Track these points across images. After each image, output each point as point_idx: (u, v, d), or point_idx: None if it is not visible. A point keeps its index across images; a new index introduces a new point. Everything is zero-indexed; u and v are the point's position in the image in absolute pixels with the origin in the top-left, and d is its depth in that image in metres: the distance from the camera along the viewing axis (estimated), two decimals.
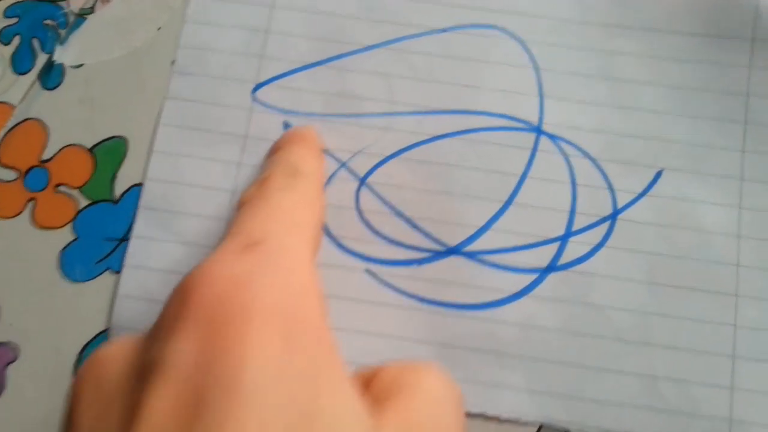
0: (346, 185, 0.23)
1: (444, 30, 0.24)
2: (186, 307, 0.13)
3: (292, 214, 0.16)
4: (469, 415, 0.21)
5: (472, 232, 0.23)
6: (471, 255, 0.23)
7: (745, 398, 0.21)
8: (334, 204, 0.23)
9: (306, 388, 0.12)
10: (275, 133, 0.23)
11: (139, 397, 0.12)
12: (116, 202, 0.23)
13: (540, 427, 0.21)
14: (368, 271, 0.22)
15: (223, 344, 0.12)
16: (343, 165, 0.23)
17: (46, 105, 0.24)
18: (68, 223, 0.23)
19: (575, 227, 0.23)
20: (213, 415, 0.11)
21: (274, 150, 0.20)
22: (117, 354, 0.14)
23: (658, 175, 0.23)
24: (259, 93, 0.24)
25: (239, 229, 0.15)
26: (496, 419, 0.21)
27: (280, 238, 0.15)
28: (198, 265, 0.14)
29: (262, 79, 0.24)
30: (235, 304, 0.13)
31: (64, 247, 0.22)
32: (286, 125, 0.23)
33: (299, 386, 0.12)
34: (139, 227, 0.22)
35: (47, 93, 0.24)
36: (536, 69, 0.24)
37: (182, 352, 0.12)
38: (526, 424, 0.21)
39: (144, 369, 0.12)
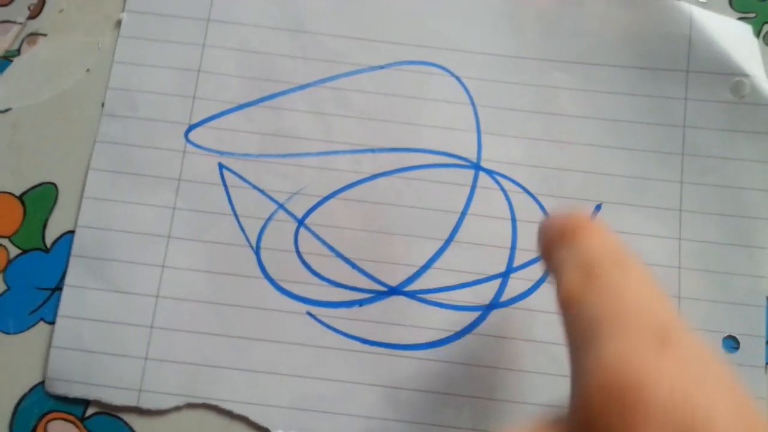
0: (285, 227, 0.28)
1: (380, 67, 0.30)
2: (643, 419, 0.15)
3: (656, 297, 0.18)
4: None
5: (413, 271, 0.28)
6: (412, 294, 0.28)
7: None
8: (272, 246, 0.28)
9: None
10: (210, 175, 0.28)
11: None
12: (48, 250, 0.27)
13: None
14: (309, 314, 0.27)
15: None
16: (280, 206, 0.28)
17: None
18: None
19: (516, 263, 0.28)
20: None
21: (561, 240, 0.21)
22: None
23: (598, 208, 0.29)
24: (192, 134, 0.29)
25: (620, 321, 0.17)
26: None
27: (680, 331, 0.16)
28: (613, 361, 0.16)
29: (195, 120, 0.29)
30: (704, 417, 0.15)
31: None
32: (221, 167, 0.29)
33: None
34: (72, 276, 0.27)
35: None
36: (473, 105, 0.29)
37: None
38: None
39: None
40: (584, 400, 0.16)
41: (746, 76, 0.29)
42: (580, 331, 0.18)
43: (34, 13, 0.30)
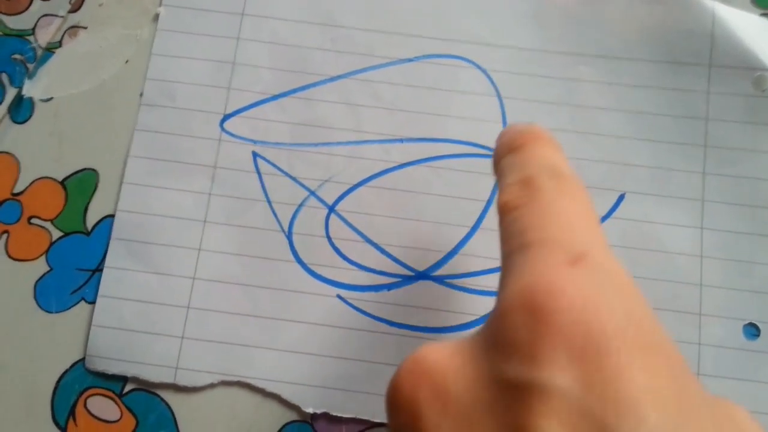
0: (316, 213, 0.30)
1: (408, 60, 0.32)
2: (547, 328, 0.15)
3: (585, 218, 0.19)
4: None
5: (440, 257, 0.30)
6: (439, 279, 0.30)
7: None
8: (304, 232, 0.30)
9: (701, 422, 0.15)
10: (244, 163, 0.31)
11: (526, 421, 0.14)
12: (89, 233, 0.30)
13: None
14: (339, 297, 0.29)
15: (610, 375, 0.14)
16: (312, 193, 0.30)
17: (16, 139, 0.31)
18: (42, 254, 0.30)
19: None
20: None
21: (513, 148, 0.22)
22: (447, 364, 0.17)
23: (621, 198, 0.31)
24: (227, 124, 0.31)
25: (545, 237, 0.17)
26: None
27: (599, 253, 0.17)
28: (527, 277, 0.17)
29: (230, 110, 0.31)
30: (604, 330, 0.15)
31: (39, 279, 0.29)
32: (255, 155, 0.31)
33: (695, 422, 0.15)
34: (112, 258, 0.29)
35: (17, 127, 0.31)
36: (499, 97, 0.31)
37: (562, 378, 0.14)
38: None
39: (513, 391, 0.15)
40: (498, 311, 0.17)
41: (767, 70, 0.30)
42: (510, 239, 0.19)
43: (75, 6, 0.32)
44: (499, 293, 0.17)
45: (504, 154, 0.22)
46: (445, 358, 0.17)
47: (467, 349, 0.17)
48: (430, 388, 0.16)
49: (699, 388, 0.16)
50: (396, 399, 0.17)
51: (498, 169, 0.22)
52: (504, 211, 0.19)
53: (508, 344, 0.16)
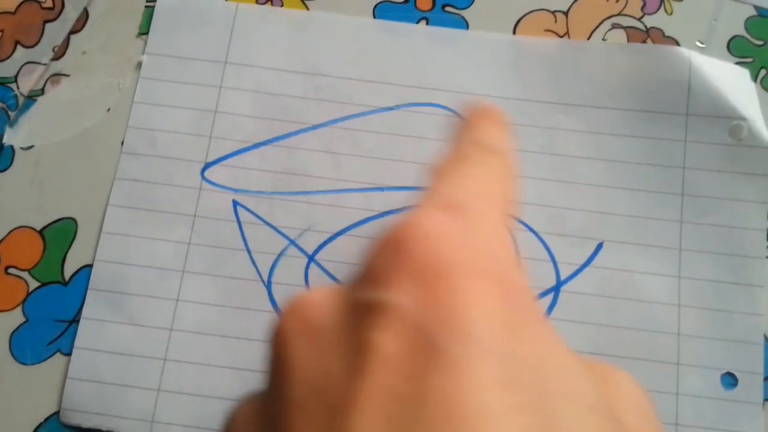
0: (296, 262, 0.30)
1: (389, 108, 0.32)
2: (400, 256, 0.16)
3: (490, 187, 0.19)
4: None
5: None
6: None
7: None
8: (283, 281, 0.30)
9: (533, 344, 0.16)
10: (224, 212, 0.30)
11: (365, 335, 0.15)
12: (66, 283, 0.29)
13: None
14: None
15: (446, 296, 0.15)
16: (292, 242, 0.30)
17: None
18: (18, 305, 0.29)
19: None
20: (449, 360, 0.15)
21: (466, 126, 0.23)
22: (321, 299, 0.17)
23: (599, 246, 0.31)
24: (208, 172, 0.31)
25: (437, 191, 0.19)
26: None
27: (479, 206, 0.18)
28: (402, 220, 0.18)
29: (211, 158, 0.31)
30: (450, 259, 0.16)
31: (15, 330, 0.29)
32: (236, 204, 0.30)
33: (527, 342, 0.16)
34: (89, 309, 0.29)
35: None
36: None
37: (404, 298, 0.15)
38: None
39: (361, 312, 0.16)
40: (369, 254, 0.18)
41: (744, 119, 0.31)
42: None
43: (58, 54, 0.32)
44: None
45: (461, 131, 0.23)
46: (322, 296, 0.17)
47: (342, 288, 0.18)
48: (300, 320, 0.17)
49: (547, 333, 0.16)
50: (271, 334, 0.17)
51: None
52: (432, 176, 0.20)
53: (368, 272, 0.17)
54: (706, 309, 0.30)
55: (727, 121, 0.31)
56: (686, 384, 0.29)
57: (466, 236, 0.17)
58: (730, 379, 0.29)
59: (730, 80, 0.32)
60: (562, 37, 0.33)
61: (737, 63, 0.33)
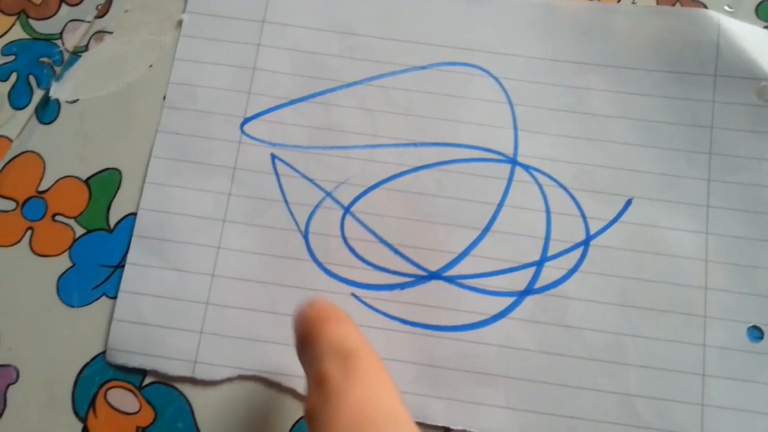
0: (332, 214, 0.31)
1: (422, 67, 0.32)
2: None
3: (377, 406, 0.19)
4: (452, 431, 0.28)
5: (452, 257, 0.30)
6: (451, 279, 0.30)
7: (715, 414, 0.29)
8: (320, 232, 0.30)
9: None
10: (263, 165, 0.31)
11: None
12: (111, 231, 0.30)
13: None
14: (354, 295, 0.30)
15: None
16: (328, 194, 0.31)
17: (42, 138, 0.31)
18: (65, 251, 0.30)
19: (550, 253, 0.30)
20: None
21: (304, 341, 0.23)
22: None
23: (628, 203, 0.31)
24: (247, 127, 0.32)
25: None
26: None
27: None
28: None
29: (250, 113, 0.32)
30: None
31: (62, 274, 0.30)
32: (274, 157, 0.31)
33: None
34: (134, 255, 0.30)
35: (44, 127, 0.32)
36: (510, 104, 0.32)
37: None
38: None
39: None
40: None
41: None
42: None
43: (102, 12, 0.33)
44: None
45: (300, 349, 0.23)
46: None
47: None
48: None
49: None
50: None
51: (302, 365, 0.23)
52: (309, 420, 0.20)
53: None
54: (732, 264, 0.30)
55: (755, 82, 0.31)
56: (713, 336, 0.29)
57: None
58: (756, 332, 0.29)
59: (757, 43, 0.32)
60: None
61: (765, 27, 0.33)
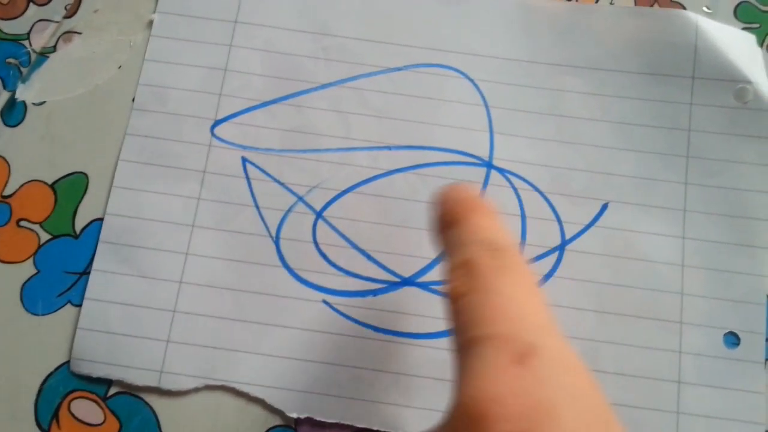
0: (304, 219, 0.30)
1: (398, 69, 0.32)
2: None
3: (530, 302, 0.18)
4: None
5: (426, 263, 0.30)
6: (424, 285, 0.30)
7: (690, 422, 0.28)
8: (291, 237, 0.30)
9: None
10: (234, 168, 0.30)
11: None
12: (77, 236, 0.30)
13: None
14: (325, 302, 0.29)
15: None
16: (300, 199, 0.30)
17: (8, 142, 0.31)
18: (30, 257, 0.29)
19: (525, 257, 0.30)
20: None
21: (449, 222, 0.21)
22: None
23: (604, 207, 0.31)
24: (218, 129, 0.31)
25: (490, 333, 0.17)
26: None
27: (546, 341, 0.17)
28: (472, 381, 0.16)
29: (221, 116, 0.31)
30: None
31: (26, 281, 0.29)
32: (245, 161, 0.31)
33: None
34: (100, 261, 0.29)
35: (9, 130, 0.31)
36: (486, 106, 0.31)
37: None
38: None
39: None
40: (449, 415, 0.17)
41: (749, 83, 0.31)
42: (458, 332, 0.18)
43: (71, 12, 0.32)
44: (452, 394, 0.17)
45: (442, 228, 0.22)
46: None
47: None
48: None
49: None
50: None
51: (439, 244, 0.22)
52: (451, 301, 0.19)
53: None
54: (709, 269, 0.30)
55: (733, 84, 0.31)
56: (689, 342, 0.29)
57: (555, 395, 0.16)
58: (732, 339, 0.29)
59: (736, 45, 0.32)
60: (570, 0, 0.33)
61: (744, 28, 0.32)
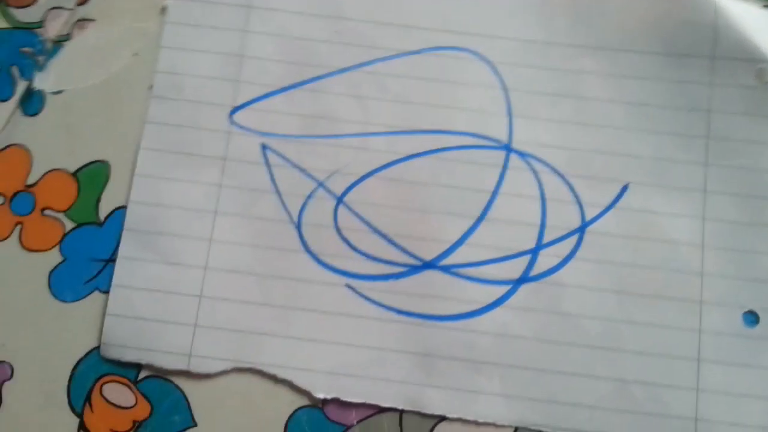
0: (325, 204, 0.31)
1: (415, 52, 0.32)
2: None
3: None
4: (448, 420, 0.29)
5: (447, 246, 0.30)
6: (446, 268, 0.30)
7: (710, 399, 0.29)
8: (313, 222, 0.30)
9: None
10: (254, 155, 0.31)
11: None
12: (101, 224, 0.30)
13: (515, 430, 0.29)
14: (348, 286, 0.30)
15: None
16: (320, 184, 0.31)
17: (28, 131, 0.31)
18: (56, 245, 0.30)
19: (545, 240, 0.31)
20: None
21: None
22: None
23: (624, 188, 0.31)
24: (237, 116, 0.31)
25: None
26: (474, 423, 0.29)
27: None
28: None
29: (239, 102, 0.32)
30: None
31: (53, 269, 0.30)
32: (264, 147, 0.31)
33: None
34: (125, 248, 0.30)
35: (29, 119, 0.31)
36: (504, 89, 0.32)
37: None
38: (502, 427, 0.29)
39: None
40: None
41: None
42: None
43: None
44: None
45: None
46: None
47: None
48: None
49: None
50: None
51: None
52: None
53: None
54: (729, 249, 0.30)
55: (753, 64, 0.31)
56: (708, 322, 0.30)
57: None
58: (751, 317, 0.30)
59: (756, 23, 0.32)
60: None
61: (764, 6, 0.33)
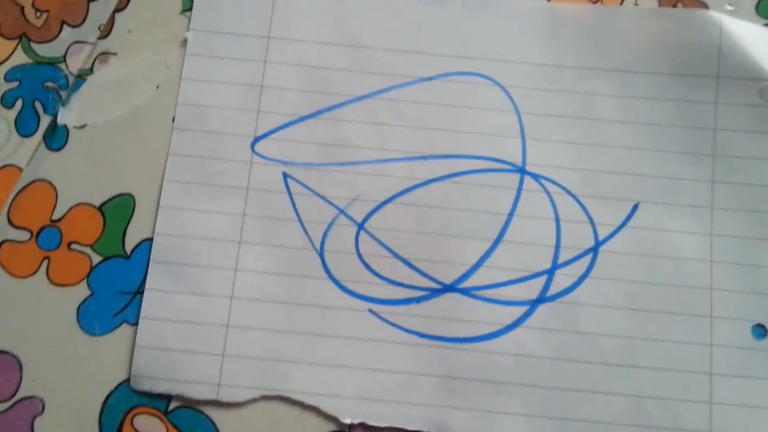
0: (346, 230, 0.28)
1: (430, 78, 0.30)
2: None
3: None
4: None
5: (465, 269, 0.28)
6: (466, 291, 0.28)
7: (723, 411, 0.27)
8: (335, 249, 0.28)
9: None
10: (275, 184, 0.29)
11: None
12: (128, 257, 0.28)
13: None
14: (371, 311, 0.28)
15: None
16: (341, 212, 0.29)
17: (52, 166, 0.29)
18: (83, 279, 0.28)
19: (561, 260, 0.28)
20: None
21: None
22: None
23: (635, 207, 0.29)
24: (258, 146, 0.29)
25: None
26: None
27: None
28: None
29: (260, 132, 0.29)
30: None
31: (81, 303, 0.27)
32: (285, 176, 0.29)
33: None
34: (152, 280, 0.28)
35: (53, 154, 0.29)
36: (518, 112, 0.29)
37: None
38: None
39: None
40: None
41: None
42: None
43: (104, 33, 0.30)
44: None
45: None
46: None
47: None
48: None
49: None
50: None
51: None
52: None
53: None
54: (737, 264, 0.28)
55: (757, 83, 0.29)
56: (719, 335, 0.28)
57: None
58: (760, 330, 0.28)
59: (759, 43, 0.30)
60: (595, 2, 0.31)
61: (765, 24, 0.30)
